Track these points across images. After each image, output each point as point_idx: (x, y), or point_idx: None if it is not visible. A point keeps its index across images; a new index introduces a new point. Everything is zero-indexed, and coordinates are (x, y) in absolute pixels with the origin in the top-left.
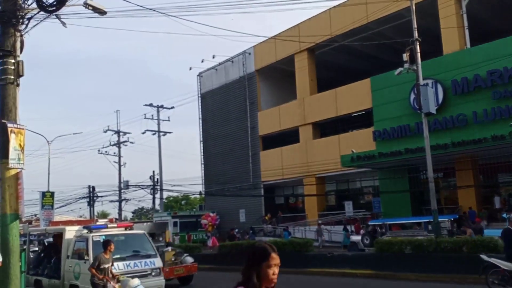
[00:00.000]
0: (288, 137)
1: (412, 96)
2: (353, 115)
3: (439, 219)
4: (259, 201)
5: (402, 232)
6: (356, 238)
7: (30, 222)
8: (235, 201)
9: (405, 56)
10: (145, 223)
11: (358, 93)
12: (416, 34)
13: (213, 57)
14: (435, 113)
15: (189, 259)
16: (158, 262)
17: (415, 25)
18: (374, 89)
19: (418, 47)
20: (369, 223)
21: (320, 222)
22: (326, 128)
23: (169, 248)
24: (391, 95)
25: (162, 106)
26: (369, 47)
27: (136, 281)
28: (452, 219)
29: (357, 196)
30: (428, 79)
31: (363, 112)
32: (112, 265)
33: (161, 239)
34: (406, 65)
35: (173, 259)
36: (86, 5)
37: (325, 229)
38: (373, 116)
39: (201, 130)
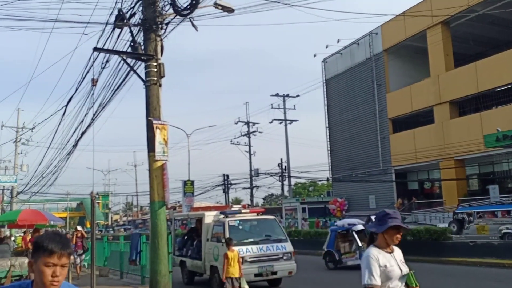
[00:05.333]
0: (420, 118)
1: None
2: (497, 89)
3: None
4: (390, 187)
5: (490, 220)
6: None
7: (174, 208)
8: (364, 187)
9: None
10: None
11: (502, 65)
12: None
13: (338, 41)
14: None
15: None
16: (289, 246)
17: None
18: None
19: None
20: (456, 211)
21: None
22: (464, 106)
23: None
24: None
25: (287, 95)
26: None
27: None
28: None
29: (504, 179)
30: None
31: (510, 86)
32: None
33: None
34: None
35: None
36: (216, 5)
37: None
38: None
39: (326, 116)
